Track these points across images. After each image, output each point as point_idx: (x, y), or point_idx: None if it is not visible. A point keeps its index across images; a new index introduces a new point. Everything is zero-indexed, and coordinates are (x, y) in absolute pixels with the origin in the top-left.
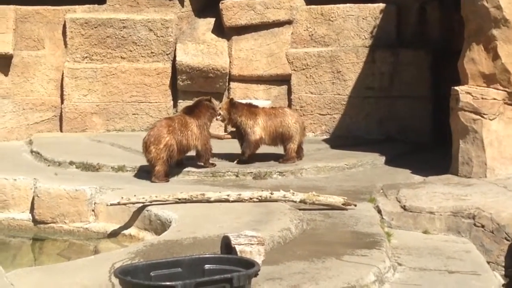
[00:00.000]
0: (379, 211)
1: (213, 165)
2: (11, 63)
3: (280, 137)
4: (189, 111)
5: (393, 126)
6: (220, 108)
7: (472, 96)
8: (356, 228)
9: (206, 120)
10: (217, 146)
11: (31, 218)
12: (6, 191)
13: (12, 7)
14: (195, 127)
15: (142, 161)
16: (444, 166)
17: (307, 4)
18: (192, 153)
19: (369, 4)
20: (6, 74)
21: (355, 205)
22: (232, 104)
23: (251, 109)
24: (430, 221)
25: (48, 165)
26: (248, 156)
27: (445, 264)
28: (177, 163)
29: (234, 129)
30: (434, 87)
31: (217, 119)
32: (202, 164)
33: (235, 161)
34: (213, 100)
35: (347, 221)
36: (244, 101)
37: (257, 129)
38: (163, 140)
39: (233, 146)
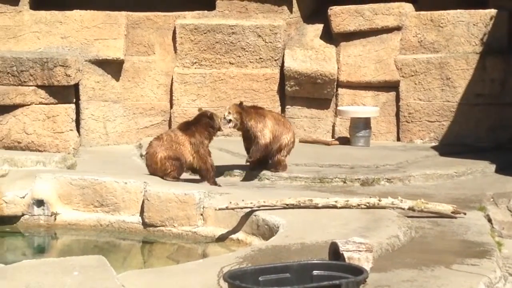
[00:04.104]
0: (489, 220)
1: (219, 185)
2: (122, 68)
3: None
4: (185, 127)
5: (503, 134)
6: (230, 113)
7: None
8: (465, 237)
9: (203, 138)
10: (323, 153)
11: (141, 221)
12: (117, 194)
13: (124, 13)
14: (188, 144)
15: None
16: None
17: (416, 10)
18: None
19: (480, 10)
20: (117, 79)
21: (465, 214)
22: (242, 108)
23: (259, 111)
24: None
25: None
26: (255, 159)
27: None
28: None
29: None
30: None
31: (229, 127)
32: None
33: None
34: (215, 116)
35: (456, 229)
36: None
37: (266, 131)
38: (158, 155)
39: (341, 153)
